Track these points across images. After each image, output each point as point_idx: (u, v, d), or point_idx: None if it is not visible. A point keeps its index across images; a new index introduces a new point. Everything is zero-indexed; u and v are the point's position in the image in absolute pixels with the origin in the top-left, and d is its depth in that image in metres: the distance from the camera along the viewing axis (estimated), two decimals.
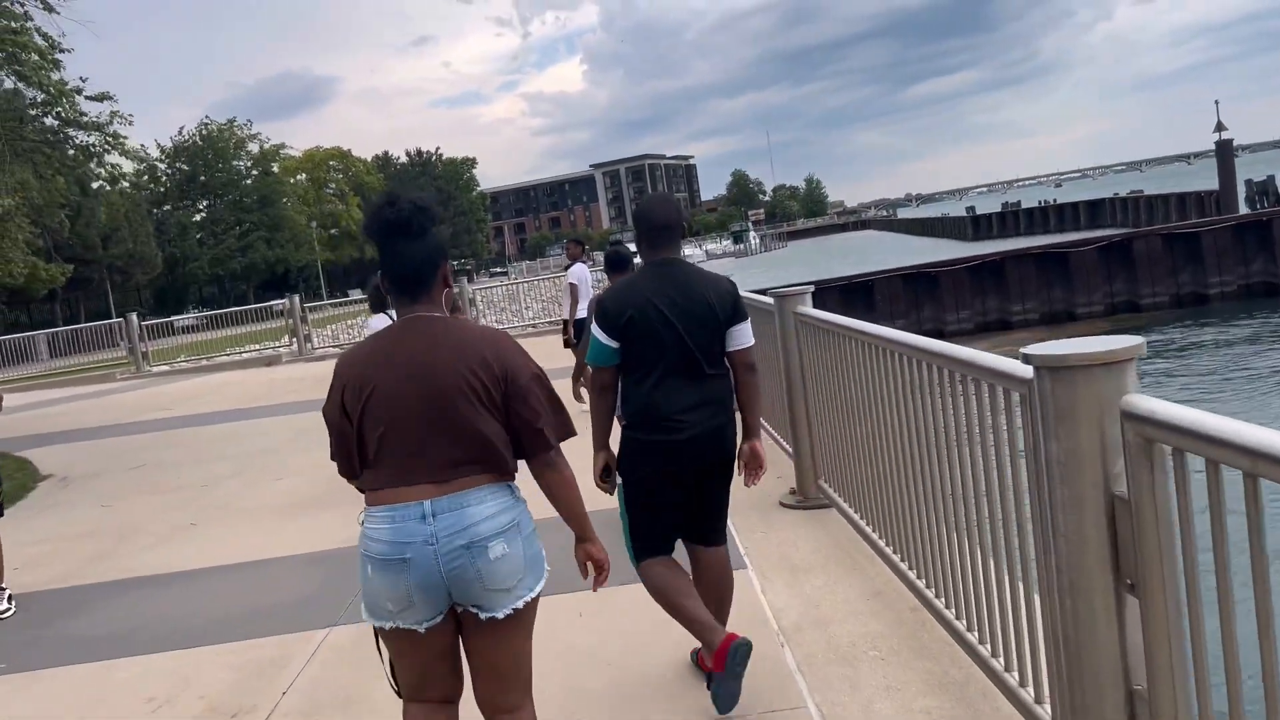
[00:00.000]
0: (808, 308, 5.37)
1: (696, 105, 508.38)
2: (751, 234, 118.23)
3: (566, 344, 10.43)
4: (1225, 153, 37.10)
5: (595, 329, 3.41)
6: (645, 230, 3.52)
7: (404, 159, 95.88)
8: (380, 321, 8.99)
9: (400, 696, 2.63)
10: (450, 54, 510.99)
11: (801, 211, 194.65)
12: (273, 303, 25.05)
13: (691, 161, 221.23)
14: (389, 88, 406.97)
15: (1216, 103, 38.56)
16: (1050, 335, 2.79)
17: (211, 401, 16.12)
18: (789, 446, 5.97)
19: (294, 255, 69.41)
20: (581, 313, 9.74)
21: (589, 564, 2.70)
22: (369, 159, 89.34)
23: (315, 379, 17.23)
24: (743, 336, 3.45)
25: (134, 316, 24.41)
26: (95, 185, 38.98)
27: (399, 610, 2.43)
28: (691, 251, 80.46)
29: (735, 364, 3.48)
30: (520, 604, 2.47)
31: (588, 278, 10.47)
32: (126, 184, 53.88)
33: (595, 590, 2.77)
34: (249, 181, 69.94)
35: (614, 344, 3.36)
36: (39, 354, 29.07)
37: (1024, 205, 77.09)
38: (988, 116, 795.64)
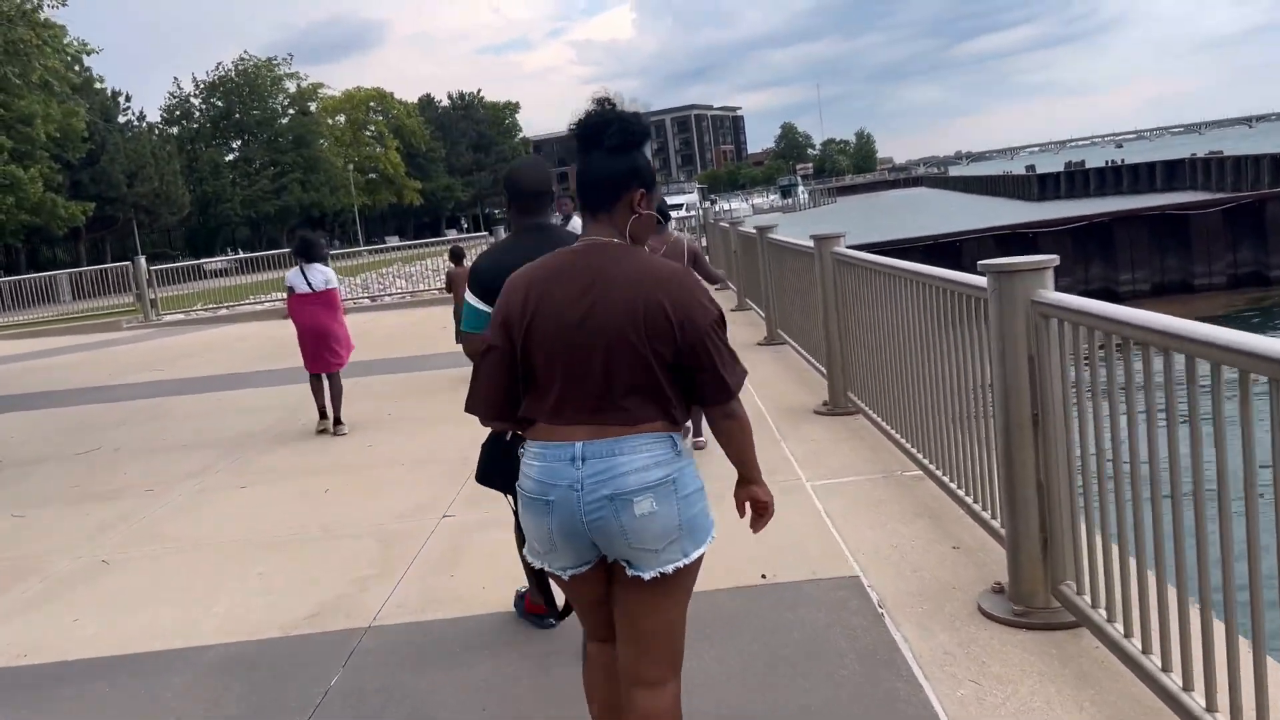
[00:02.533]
0: (842, 248, 6.49)
1: (746, 56, 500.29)
2: (800, 188, 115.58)
3: None
4: None
5: (469, 294, 3.24)
6: (517, 196, 3.38)
7: (445, 102, 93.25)
8: (296, 275, 8.11)
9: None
10: None
11: (850, 167, 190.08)
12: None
13: (739, 113, 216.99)
14: (437, 31, 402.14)
15: None
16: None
17: (212, 361, 14.14)
18: (823, 367, 7.18)
19: (329, 199, 67.33)
20: None
21: (748, 505, 2.49)
22: (411, 101, 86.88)
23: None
24: None
25: (141, 260, 22.42)
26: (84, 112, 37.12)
27: (545, 552, 2.34)
28: (738, 205, 77.75)
29: None
30: (670, 569, 2.26)
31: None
32: (149, 119, 51.98)
33: (755, 532, 2.55)
34: (285, 121, 67.71)
35: (489, 309, 2.95)
36: (61, 295, 27.44)
37: (1088, 165, 73.78)
38: (1042, 74, 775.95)
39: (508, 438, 2.74)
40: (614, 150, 2.29)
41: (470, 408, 2.41)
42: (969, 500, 4.20)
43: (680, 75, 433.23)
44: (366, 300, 22.02)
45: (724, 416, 2.32)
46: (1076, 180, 65.30)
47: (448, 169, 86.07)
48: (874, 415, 6.00)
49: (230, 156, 65.98)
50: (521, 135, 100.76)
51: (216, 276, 28.11)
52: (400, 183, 77.62)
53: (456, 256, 11.80)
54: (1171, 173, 57.83)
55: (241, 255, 33.63)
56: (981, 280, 3.52)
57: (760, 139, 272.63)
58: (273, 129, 66.56)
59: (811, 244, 6.94)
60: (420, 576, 4.63)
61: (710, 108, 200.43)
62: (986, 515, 3.97)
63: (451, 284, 10.82)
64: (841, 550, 4.31)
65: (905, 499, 4.89)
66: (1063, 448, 3.19)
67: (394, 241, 49.76)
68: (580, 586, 2.37)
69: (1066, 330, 3.06)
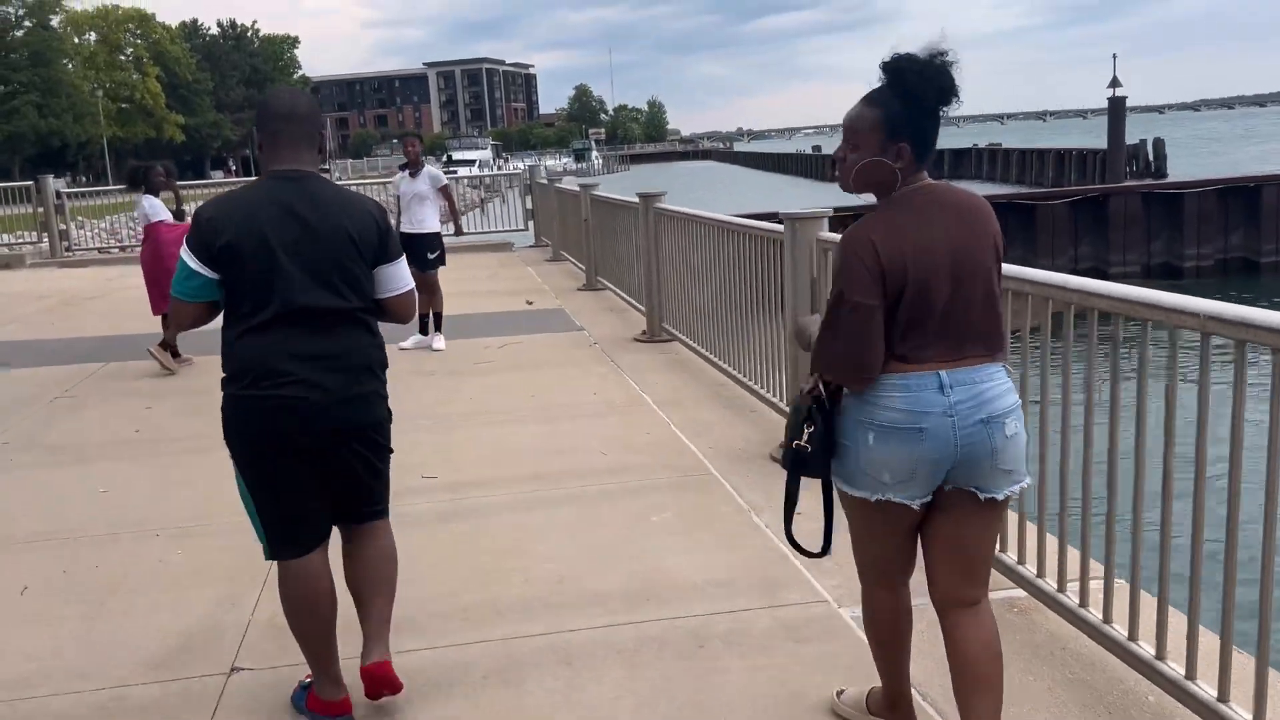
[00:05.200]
0: (664, 204, 8.20)
1: (541, 14, 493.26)
2: (594, 153, 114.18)
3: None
4: (1118, 110, 35.57)
5: (184, 251, 2.66)
6: (265, 124, 2.73)
7: (215, 30, 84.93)
8: (153, 202, 7.86)
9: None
10: None
11: (642, 135, 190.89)
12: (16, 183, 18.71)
13: (532, 71, 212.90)
14: None
15: (1115, 56, 36.93)
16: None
17: None
18: (641, 305, 8.86)
19: (73, 128, 59.32)
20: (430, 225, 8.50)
21: None
22: (174, 26, 78.30)
23: (66, 298, 12.11)
24: (397, 278, 2.81)
25: None
26: None
27: (896, 482, 2.34)
28: (527, 164, 75.28)
29: (389, 314, 2.84)
30: (1017, 489, 2.41)
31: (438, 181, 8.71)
32: None
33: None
34: (19, 33, 58.84)
35: (210, 274, 2.64)
36: None
37: None
38: (818, 59, 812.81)
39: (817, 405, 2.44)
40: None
41: (839, 373, 2.36)
42: (760, 390, 5.91)
43: (471, 27, 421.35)
44: (116, 249, 18.45)
45: None
46: None
47: (215, 104, 78.51)
48: (685, 338, 7.63)
49: None
50: (300, 73, 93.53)
51: None
52: (159, 115, 69.89)
53: None
54: (957, 160, 60.69)
55: None
56: (776, 226, 5.27)
57: (552, 99, 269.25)
58: (3, 43, 57.54)
59: (637, 199, 8.65)
60: None
61: (502, 63, 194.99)
62: (773, 397, 5.69)
63: None
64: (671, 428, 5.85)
65: (714, 397, 6.47)
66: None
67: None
68: (918, 514, 2.38)
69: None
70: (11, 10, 58.69)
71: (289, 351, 2.61)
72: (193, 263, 2.64)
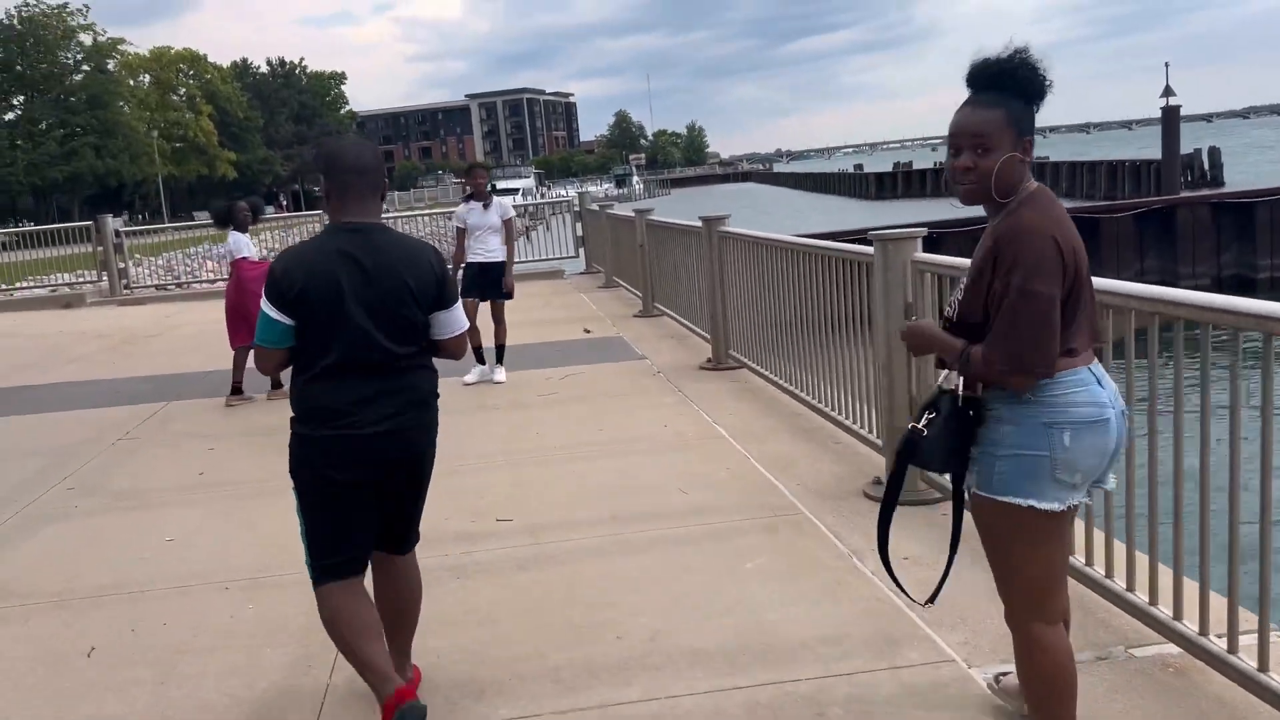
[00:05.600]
0: (728, 226, 7.76)
1: (579, 44, 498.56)
2: (635, 178, 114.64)
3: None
4: (1172, 120, 34.69)
5: (264, 303, 2.84)
6: (335, 175, 2.86)
7: (264, 69, 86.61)
8: (237, 239, 8.02)
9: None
10: None
11: (682, 159, 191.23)
12: (76, 224, 18.89)
13: (572, 99, 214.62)
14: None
15: (1167, 65, 36.10)
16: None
17: None
18: (704, 331, 8.51)
19: (129, 168, 60.48)
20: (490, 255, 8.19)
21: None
22: (225, 66, 79.97)
23: (126, 336, 12.13)
24: (453, 322, 3.02)
25: None
26: None
27: (1085, 481, 2.35)
28: (575, 191, 75.62)
29: (444, 353, 3.06)
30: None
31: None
32: None
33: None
34: (78, 78, 60.31)
35: (287, 321, 2.82)
36: None
37: (915, 166, 75.92)
38: (857, 78, 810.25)
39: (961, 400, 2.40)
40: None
41: (1021, 367, 2.27)
42: (846, 421, 5.56)
43: (511, 58, 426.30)
44: (173, 286, 18.61)
45: None
46: (913, 180, 66.54)
47: (266, 141, 79.93)
48: (755, 366, 7.25)
49: (10, 115, 58.06)
50: (347, 108, 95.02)
51: None
52: (212, 153, 71.24)
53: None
54: None
55: (28, 228, 28.70)
56: (863, 248, 5.00)
57: (592, 126, 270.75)
58: (63, 86, 59.04)
59: (699, 223, 8.28)
60: None
61: (543, 92, 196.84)
62: (860, 429, 5.37)
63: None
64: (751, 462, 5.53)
65: (793, 428, 6.15)
66: (930, 366, 4.33)
67: (204, 218, 44.85)
68: (1072, 516, 2.42)
69: (934, 281, 4.49)
70: (70, 56, 60.22)
71: (352, 395, 2.81)
72: (272, 312, 2.81)
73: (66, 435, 7.15)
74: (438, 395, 3.02)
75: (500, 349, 8.13)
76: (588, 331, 10.33)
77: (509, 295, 8.16)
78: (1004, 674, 2.82)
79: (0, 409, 8.30)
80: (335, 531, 2.89)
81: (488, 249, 8.11)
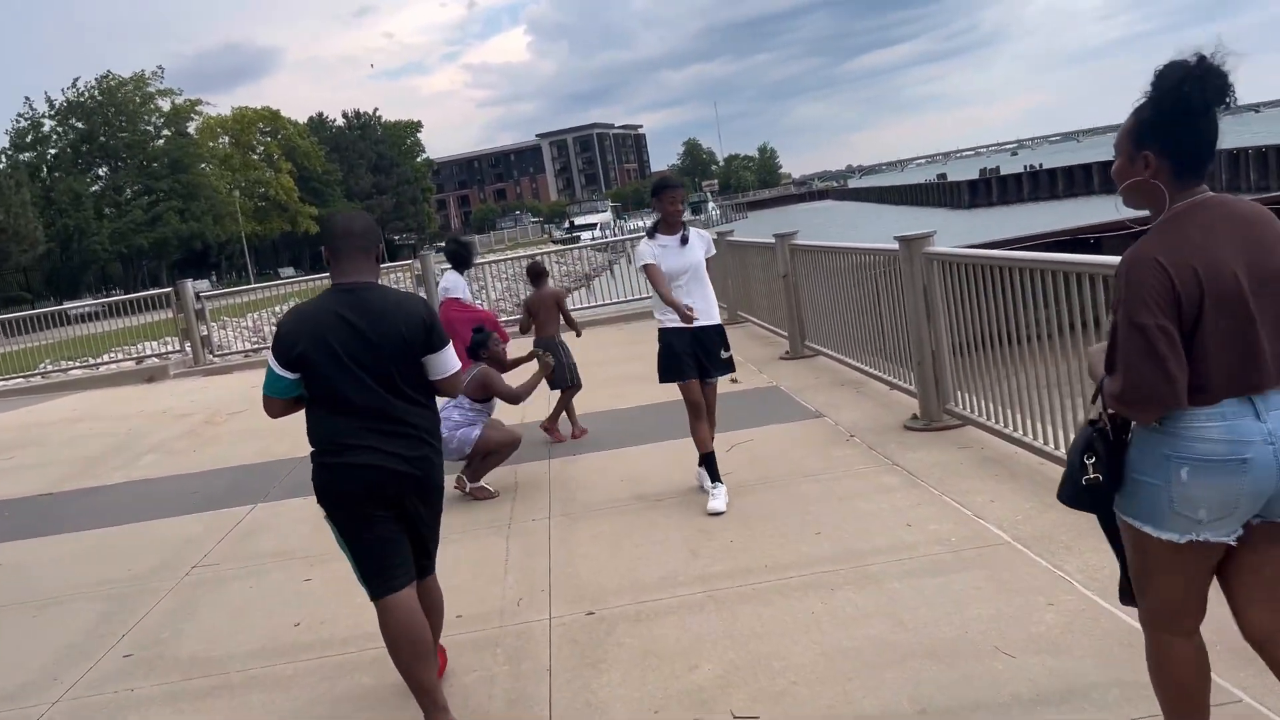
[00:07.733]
0: (935, 247, 6.25)
1: (643, 77, 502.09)
2: (710, 204, 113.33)
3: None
4: None
5: (270, 358, 3.30)
6: (327, 241, 3.33)
7: (340, 121, 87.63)
8: (452, 280, 7.83)
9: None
10: (392, 24, 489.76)
11: (755, 181, 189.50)
12: (155, 291, 17.94)
13: (641, 131, 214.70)
14: (330, 57, 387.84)
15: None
16: None
17: (17, 471, 9.69)
18: (896, 379, 7.12)
19: (213, 229, 61.04)
20: None
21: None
22: (302, 121, 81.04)
23: (209, 415, 10.86)
24: (443, 364, 3.34)
25: None
26: None
27: (1212, 520, 2.21)
28: (640, 224, 74.78)
29: (441, 392, 3.41)
30: None
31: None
32: None
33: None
34: (159, 143, 61.15)
35: (290, 376, 3.23)
36: None
37: (1002, 171, 73.88)
38: (925, 88, 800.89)
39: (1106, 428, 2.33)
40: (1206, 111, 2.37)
41: (1140, 401, 2.17)
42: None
43: (579, 97, 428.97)
44: (261, 350, 17.51)
45: None
46: (1008, 185, 63.93)
47: (346, 193, 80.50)
48: (992, 424, 6.08)
49: (95, 186, 59.05)
50: (424, 156, 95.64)
51: (83, 322, 22.94)
52: (294, 208, 71.86)
53: (536, 274, 8.01)
54: (1088, 176, 57.15)
55: (109, 298, 28.29)
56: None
57: (662, 157, 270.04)
58: (145, 153, 59.83)
59: (898, 246, 7.48)
60: None
61: (612, 126, 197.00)
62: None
63: (531, 314, 7.76)
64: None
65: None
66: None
67: (289, 274, 44.50)
68: (1218, 555, 2.27)
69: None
70: (150, 122, 61.22)
71: (358, 427, 3.20)
72: (277, 368, 3.23)
73: (131, 562, 5.75)
74: (439, 430, 3.41)
75: (711, 459, 5.41)
76: (735, 381, 8.68)
77: (731, 368, 5.66)
78: None
79: (60, 523, 6.97)
80: (370, 547, 3.25)
81: (706, 299, 5.46)
